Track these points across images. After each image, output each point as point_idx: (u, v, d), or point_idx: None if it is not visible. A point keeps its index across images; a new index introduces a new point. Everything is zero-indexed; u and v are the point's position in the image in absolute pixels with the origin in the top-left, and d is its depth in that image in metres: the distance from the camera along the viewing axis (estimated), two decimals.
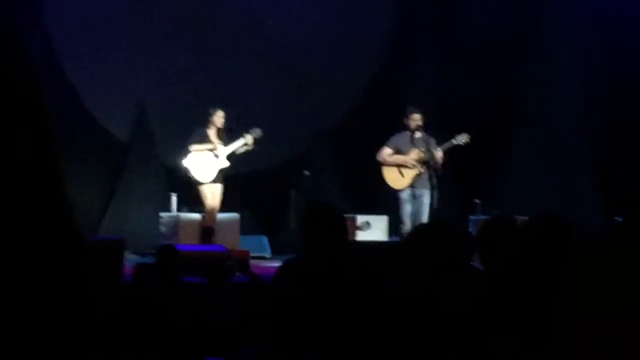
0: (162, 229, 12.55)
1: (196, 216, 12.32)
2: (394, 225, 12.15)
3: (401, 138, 11.56)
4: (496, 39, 14.35)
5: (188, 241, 11.77)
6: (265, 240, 13.33)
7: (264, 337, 4.98)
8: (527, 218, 4.54)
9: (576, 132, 14.27)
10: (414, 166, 11.40)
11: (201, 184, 11.85)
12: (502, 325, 3.94)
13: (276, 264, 10.70)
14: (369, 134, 12.78)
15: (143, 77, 13.66)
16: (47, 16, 13.30)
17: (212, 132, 11.91)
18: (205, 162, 11.81)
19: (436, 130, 11.98)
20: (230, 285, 7.72)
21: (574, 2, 14.43)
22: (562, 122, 14.24)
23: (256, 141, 11.95)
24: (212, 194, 11.90)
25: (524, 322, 3.89)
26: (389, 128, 11.99)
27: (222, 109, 11.93)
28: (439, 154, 11.31)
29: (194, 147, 11.77)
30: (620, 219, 9.62)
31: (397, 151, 11.51)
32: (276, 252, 13.06)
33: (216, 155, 11.81)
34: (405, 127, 11.52)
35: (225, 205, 12.23)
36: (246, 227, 12.96)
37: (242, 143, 11.91)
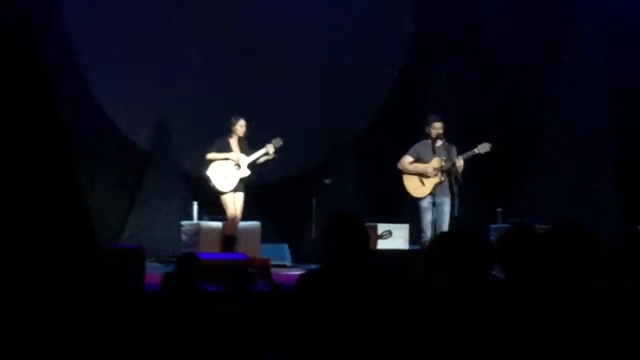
0: (183, 237, 12.57)
1: (217, 224, 12.34)
2: (415, 234, 12.12)
3: (422, 146, 11.54)
4: (518, 46, 14.32)
5: (209, 249, 11.78)
6: (286, 248, 13.33)
7: (285, 346, 4.98)
8: (547, 227, 4.52)
9: (600, 142, 14.21)
10: (434, 175, 11.38)
11: (223, 193, 11.86)
12: (525, 334, 3.92)
13: (297, 272, 10.72)
14: (390, 143, 12.78)
15: (165, 85, 13.69)
16: (68, 24, 13.35)
17: (233, 141, 11.92)
18: (227, 171, 11.83)
19: (458, 138, 11.96)
20: (252, 293, 7.71)
21: (596, 1, 14.36)
22: (585, 130, 14.19)
23: (277, 151, 11.96)
24: (234, 203, 11.92)
25: (547, 331, 3.87)
26: (410, 136, 11.98)
27: (244, 117, 11.94)
28: (460, 162, 11.28)
29: (210, 156, 11.79)
30: None
31: (418, 159, 11.50)
32: (297, 260, 13.08)
33: (238, 165, 11.83)
34: (427, 136, 11.50)
35: (246, 214, 12.25)
36: (267, 236, 12.97)
37: (264, 152, 11.92)
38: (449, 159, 11.33)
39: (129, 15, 13.67)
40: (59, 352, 1.10)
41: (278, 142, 11.94)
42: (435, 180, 11.40)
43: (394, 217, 13.20)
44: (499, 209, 13.19)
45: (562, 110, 14.37)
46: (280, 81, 14.13)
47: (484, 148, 11.48)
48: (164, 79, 13.71)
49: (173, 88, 13.72)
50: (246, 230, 12.38)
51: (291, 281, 5.79)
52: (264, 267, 9.29)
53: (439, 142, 11.44)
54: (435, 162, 11.41)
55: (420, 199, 11.43)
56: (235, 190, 11.89)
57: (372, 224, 12.49)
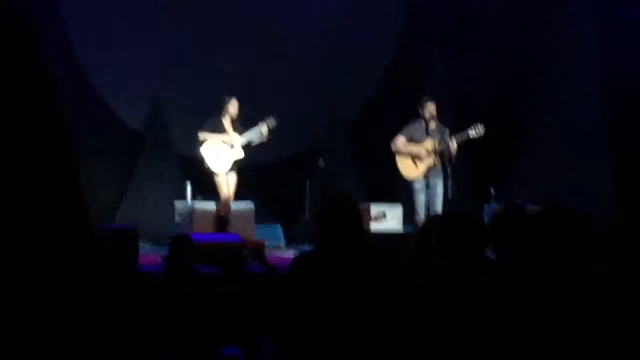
0: (177, 218, 12.57)
1: (211, 205, 12.33)
2: (409, 215, 12.14)
3: (415, 127, 11.54)
4: (514, 28, 14.31)
5: (203, 230, 11.79)
6: (279, 229, 13.35)
7: (280, 329, 4.99)
8: (539, 208, 4.54)
9: (594, 123, 14.21)
10: (427, 156, 11.39)
11: (216, 174, 11.85)
12: (517, 315, 3.94)
13: (290, 253, 10.74)
14: (384, 124, 12.78)
15: (158, 65, 13.66)
16: (62, 6, 13.31)
17: (226, 121, 11.91)
18: (220, 152, 11.82)
19: (452, 120, 11.96)
20: (245, 274, 7.72)
21: None
22: (579, 112, 14.18)
23: (271, 131, 11.95)
24: (227, 184, 11.91)
25: (539, 311, 3.88)
26: (404, 118, 11.97)
27: (237, 98, 11.93)
28: (453, 144, 11.28)
29: (202, 135, 11.77)
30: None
31: (412, 140, 11.50)
32: (290, 242, 13.10)
33: (231, 146, 11.82)
34: (420, 117, 11.50)
35: (239, 195, 12.25)
36: (261, 217, 12.97)
37: (257, 133, 11.91)
38: (443, 140, 11.34)
39: None
40: (55, 335, 1.10)
41: (272, 121, 11.93)
42: (429, 161, 11.40)
43: (387, 198, 13.20)
44: (492, 190, 13.21)
45: (557, 91, 14.35)
46: (275, 63, 14.10)
47: (478, 130, 11.48)
48: (158, 59, 13.67)
49: (167, 69, 13.68)
50: (240, 211, 12.38)
51: (285, 262, 5.80)
52: (257, 249, 9.31)
53: (433, 124, 11.43)
54: (429, 144, 11.41)
55: (413, 180, 11.44)
56: (228, 171, 11.88)
57: (365, 205, 12.53)
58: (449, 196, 11.27)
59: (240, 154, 11.86)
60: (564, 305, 3.59)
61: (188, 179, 12.90)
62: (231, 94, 11.96)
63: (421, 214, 11.28)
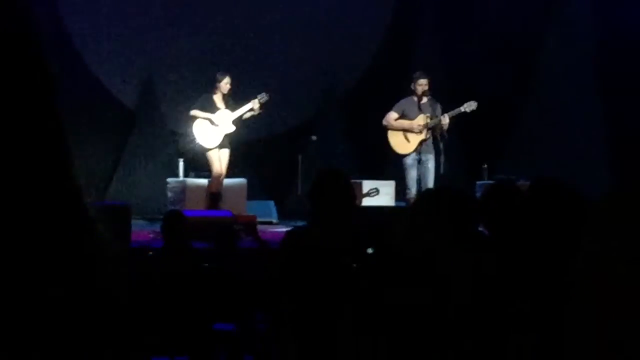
0: (169, 194, 12.57)
1: (203, 181, 12.32)
2: (401, 191, 12.15)
3: (408, 103, 11.53)
4: (506, 4, 14.28)
5: (195, 206, 11.78)
6: (272, 205, 13.35)
7: (273, 303, 5.00)
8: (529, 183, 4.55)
9: (587, 99, 14.22)
10: (419, 132, 11.38)
11: (208, 149, 11.84)
12: (509, 290, 3.95)
13: (283, 229, 10.75)
14: (377, 100, 12.77)
15: (150, 42, 13.62)
16: None
17: (218, 98, 11.88)
18: (211, 128, 11.80)
19: (444, 96, 11.95)
20: (238, 250, 7.73)
21: None
22: (572, 88, 14.19)
23: (263, 106, 11.93)
24: (219, 160, 11.90)
25: (532, 287, 3.90)
26: (397, 94, 11.96)
27: (229, 73, 11.90)
28: (445, 120, 11.28)
29: (193, 112, 11.76)
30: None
31: (404, 116, 11.49)
32: (283, 217, 13.10)
33: (223, 121, 11.78)
34: (412, 92, 11.49)
35: (232, 171, 12.24)
36: (253, 192, 12.97)
37: (249, 108, 11.89)
38: (435, 116, 11.33)
39: None
40: (51, 323, 1.10)
41: (263, 97, 11.91)
42: (420, 137, 11.40)
43: (380, 174, 13.21)
44: (485, 166, 13.22)
45: (550, 67, 14.36)
46: (267, 38, 14.07)
47: (470, 106, 11.47)
48: (150, 36, 13.63)
49: (158, 45, 13.64)
50: (232, 187, 12.38)
51: (277, 238, 5.81)
52: (250, 224, 9.32)
53: (425, 99, 11.42)
54: (421, 119, 11.40)
55: (405, 155, 11.44)
56: (220, 147, 11.86)
57: (357, 181, 12.52)
58: (441, 172, 11.27)
59: (231, 129, 11.84)
60: (556, 279, 3.60)
61: (180, 156, 12.89)
62: (223, 70, 11.93)
63: (412, 190, 11.28)
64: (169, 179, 12.73)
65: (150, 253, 7.36)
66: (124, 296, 1.13)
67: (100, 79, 13.56)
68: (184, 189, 12.40)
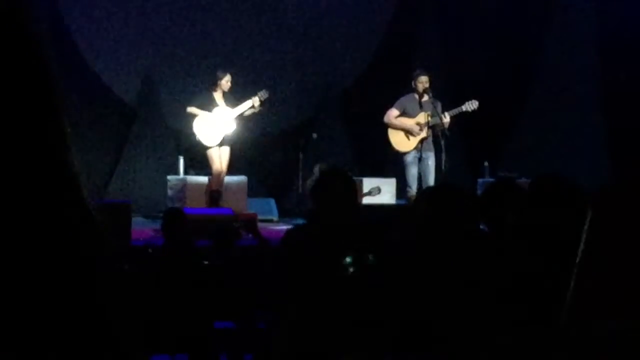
0: (169, 192, 12.56)
1: (203, 179, 12.31)
2: (403, 189, 12.14)
3: (409, 100, 11.51)
4: (508, 2, 14.28)
5: (195, 204, 11.78)
6: (272, 202, 13.34)
7: (273, 301, 5.00)
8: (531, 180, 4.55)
9: (588, 95, 14.21)
10: (420, 130, 11.37)
11: (208, 147, 11.83)
12: (509, 287, 3.95)
13: (283, 226, 10.74)
14: (377, 97, 12.75)
15: (150, 39, 13.61)
16: None
17: (218, 95, 11.87)
18: (211, 126, 11.79)
19: (445, 93, 11.94)
20: (238, 248, 7.73)
21: None
22: (573, 84, 14.19)
23: (263, 103, 11.92)
24: (219, 157, 11.89)
25: (530, 285, 3.89)
26: (397, 91, 11.95)
27: (230, 71, 11.89)
28: (446, 119, 11.26)
29: (190, 109, 11.75)
30: None
31: (404, 113, 11.48)
32: (283, 215, 13.09)
33: (223, 119, 11.77)
34: (414, 90, 11.48)
35: (232, 168, 12.24)
36: (253, 190, 12.97)
37: (249, 105, 11.88)
38: (435, 113, 11.32)
39: None
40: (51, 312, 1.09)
41: (264, 94, 11.89)
42: (421, 135, 11.39)
43: (381, 172, 13.20)
44: (487, 163, 13.21)
45: (551, 64, 14.36)
46: (267, 36, 14.06)
47: (471, 105, 11.45)
48: (150, 33, 13.62)
49: (159, 42, 13.64)
50: (232, 184, 12.37)
51: (278, 236, 5.80)
52: (250, 222, 9.31)
53: (426, 97, 11.40)
54: (422, 117, 11.39)
55: (405, 153, 11.43)
56: (220, 144, 11.85)
57: (357, 178, 12.51)
58: (443, 169, 11.25)
59: (232, 127, 11.83)
60: (556, 277, 3.60)
61: (180, 154, 12.88)
62: (224, 68, 11.92)
63: (413, 187, 11.27)
64: (169, 177, 12.72)
65: (151, 251, 7.35)
66: (123, 294, 1.13)
67: (100, 77, 13.54)
68: (184, 186, 12.39)
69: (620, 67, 13.86)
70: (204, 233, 7.95)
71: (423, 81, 11.35)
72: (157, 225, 8.33)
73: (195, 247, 7.28)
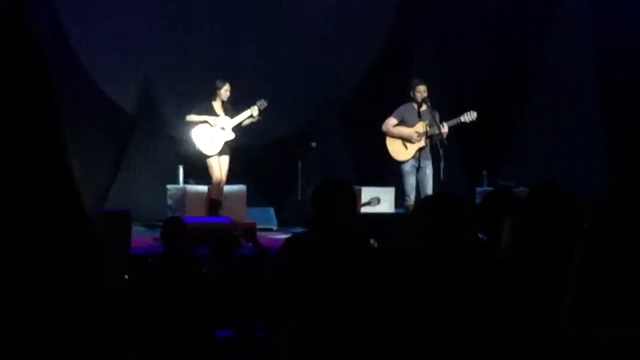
0: (169, 201, 12.57)
1: (203, 188, 12.33)
2: (401, 198, 12.15)
3: (407, 109, 11.53)
4: (505, 10, 14.29)
5: (195, 213, 11.78)
6: (272, 211, 13.35)
7: (272, 310, 5.00)
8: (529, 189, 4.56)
9: (587, 104, 14.22)
10: (418, 139, 11.39)
11: (207, 156, 11.84)
12: (508, 296, 3.96)
13: (283, 235, 10.74)
14: (377, 106, 12.76)
15: (150, 48, 13.61)
16: None
17: (217, 105, 11.90)
18: (211, 135, 11.81)
19: (444, 102, 11.95)
20: (238, 257, 7.74)
21: None
22: (572, 93, 14.19)
23: (262, 112, 11.94)
24: (219, 166, 11.91)
25: (528, 293, 3.90)
26: (396, 100, 11.97)
27: (229, 80, 11.91)
28: (444, 129, 11.28)
29: (188, 117, 11.77)
30: None
31: (403, 122, 11.50)
32: (283, 224, 13.09)
33: (222, 128, 11.79)
34: (412, 100, 11.50)
35: (231, 177, 12.25)
36: (253, 199, 12.97)
37: (248, 114, 11.90)
38: (434, 123, 11.33)
39: None
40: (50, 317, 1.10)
41: (262, 103, 11.92)
42: (419, 144, 11.41)
43: (380, 181, 13.21)
44: (485, 172, 13.22)
45: (549, 72, 14.36)
46: (266, 45, 14.07)
47: (470, 116, 11.47)
48: (150, 42, 13.62)
49: (158, 51, 13.64)
50: (232, 193, 12.38)
51: (277, 245, 5.81)
52: (250, 230, 9.32)
53: (424, 106, 11.42)
54: (420, 127, 11.41)
55: (403, 162, 11.45)
56: (220, 153, 11.87)
57: (356, 187, 12.51)
58: (442, 178, 11.27)
59: (231, 136, 11.84)
60: (554, 286, 3.61)
61: (180, 163, 12.89)
62: (223, 77, 11.94)
63: (411, 196, 11.29)
64: (169, 186, 12.73)
65: (150, 259, 7.37)
66: (123, 302, 1.14)
67: (99, 85, 13.54)
68: (183, 195, 12.40)
69: (620, 68, 13.86)
70: (204, 242, 7.96)
71: (421, 90, 11.38)
72: (157, 234, 8.32)
73: (195, 255, 7.28)
